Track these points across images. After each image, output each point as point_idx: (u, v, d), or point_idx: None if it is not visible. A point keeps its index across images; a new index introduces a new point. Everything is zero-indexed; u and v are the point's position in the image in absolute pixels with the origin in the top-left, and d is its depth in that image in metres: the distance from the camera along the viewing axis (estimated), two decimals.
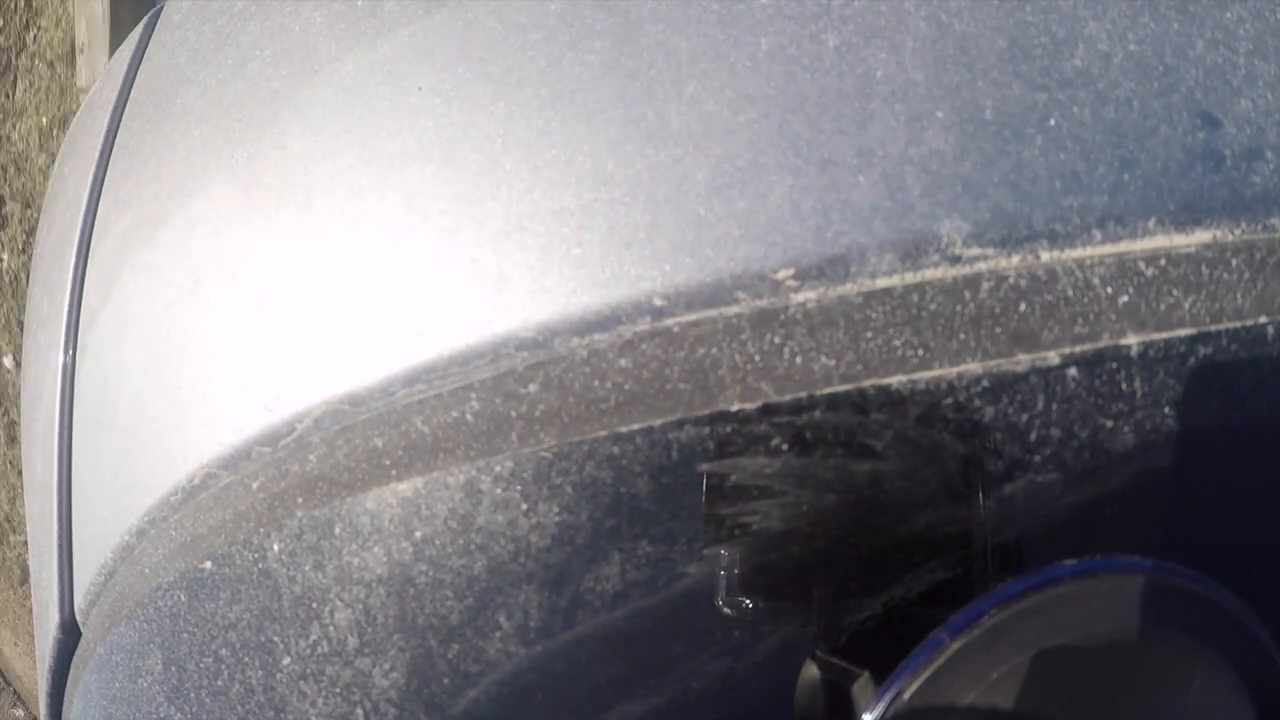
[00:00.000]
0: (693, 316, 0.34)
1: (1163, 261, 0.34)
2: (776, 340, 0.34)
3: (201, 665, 0.41)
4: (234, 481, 0.39)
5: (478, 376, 0.36)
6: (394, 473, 0.37)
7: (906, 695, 0.36)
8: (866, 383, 0.34)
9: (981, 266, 0.34)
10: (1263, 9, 0.36)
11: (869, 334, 0.34)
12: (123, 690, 0.45)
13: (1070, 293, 0.34)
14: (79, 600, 0.46)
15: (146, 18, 0.54)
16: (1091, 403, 0.35)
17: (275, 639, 0.39)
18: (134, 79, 0.52)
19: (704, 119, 0.36)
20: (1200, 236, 0.34)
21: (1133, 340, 0.34)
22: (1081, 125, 0.34)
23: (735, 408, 0.34)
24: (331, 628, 0.38)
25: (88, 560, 0.45)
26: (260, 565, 0.39)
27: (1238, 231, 0.34)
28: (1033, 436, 0.35)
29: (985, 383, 0.34)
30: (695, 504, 0.36)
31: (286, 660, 0.39)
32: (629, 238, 0.35)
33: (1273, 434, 0.36)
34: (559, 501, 0.36)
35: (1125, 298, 0.34)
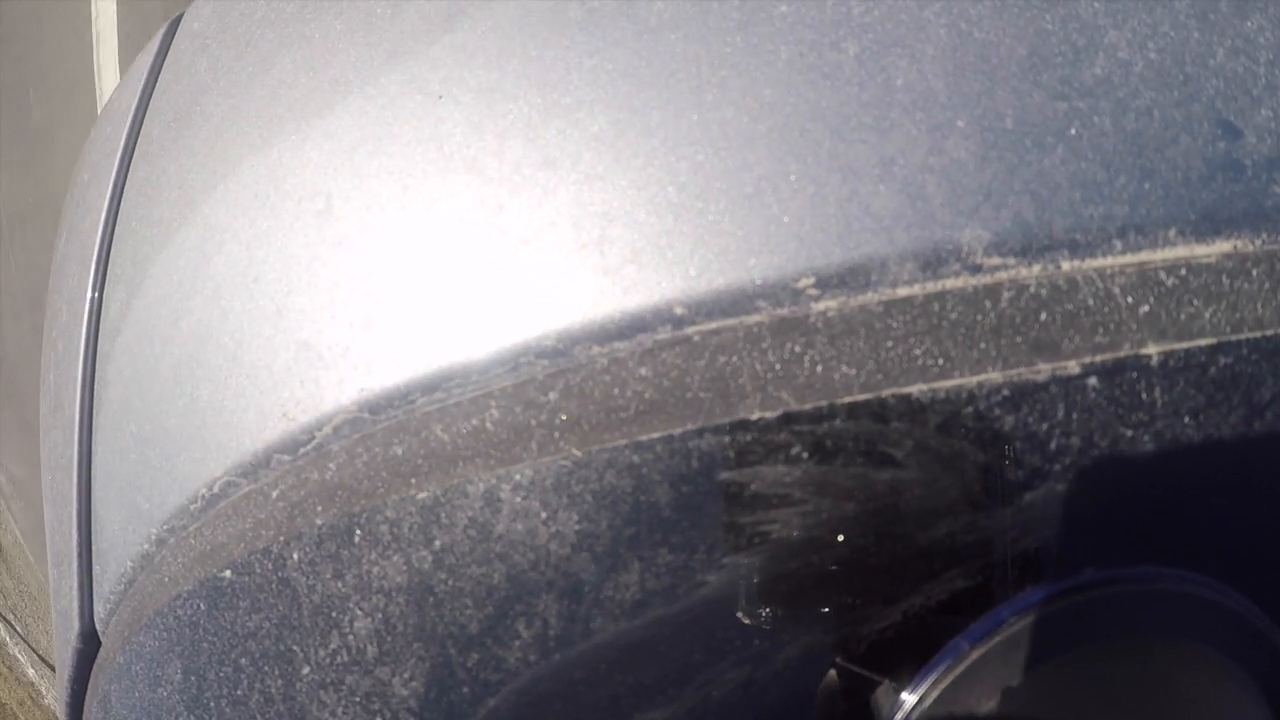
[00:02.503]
0: (713, 325, 0.34)
1: (1183, 271, 0.34)
2: (797, 349, 0.34)
3: (221, 674, 0.41)
4: (253, 490, 0.39)
5: (498, 385, 0.36)
6: (413, 481, 0.37)
7: (927, 703, 0.36)
8: (887, 391, 0.34)
9: (1002, 276, 0.34)
10: None
11: (889, 343, 0.34)
12: (142, 699, 0.45)
13: (1091, 302, 0.34)
14: (98, 609, 0.46)
15: (166, 24, 0.54)
16: (1112, 412, 0.35)
17: (295, 648, 0.39)
18: (154, 85, 0.52)
19: (723, 127, 0.36)
20: (1221, 246, 0.34)
21: (1153, 350, 0.34)
22: (1102, 134, 0.34)
23: (755, 416, 0.34)
24: (351, 636, 0.38)
25: (107, 569, 0.45)
26: (280, 574, 0.39)
27: (1258, 242, 0.34)
28: (1053, 445, 0.35)
29: (1005, 392, 0.34)
30: (715, 512, 0.36)
31: (306, 669, 0.39)
32: (649, 246, 0.35)
33: None
34: (578, 510, 0.36)
35: (1146, 307, 0.34)
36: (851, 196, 0.34)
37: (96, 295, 0.49)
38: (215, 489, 0.40)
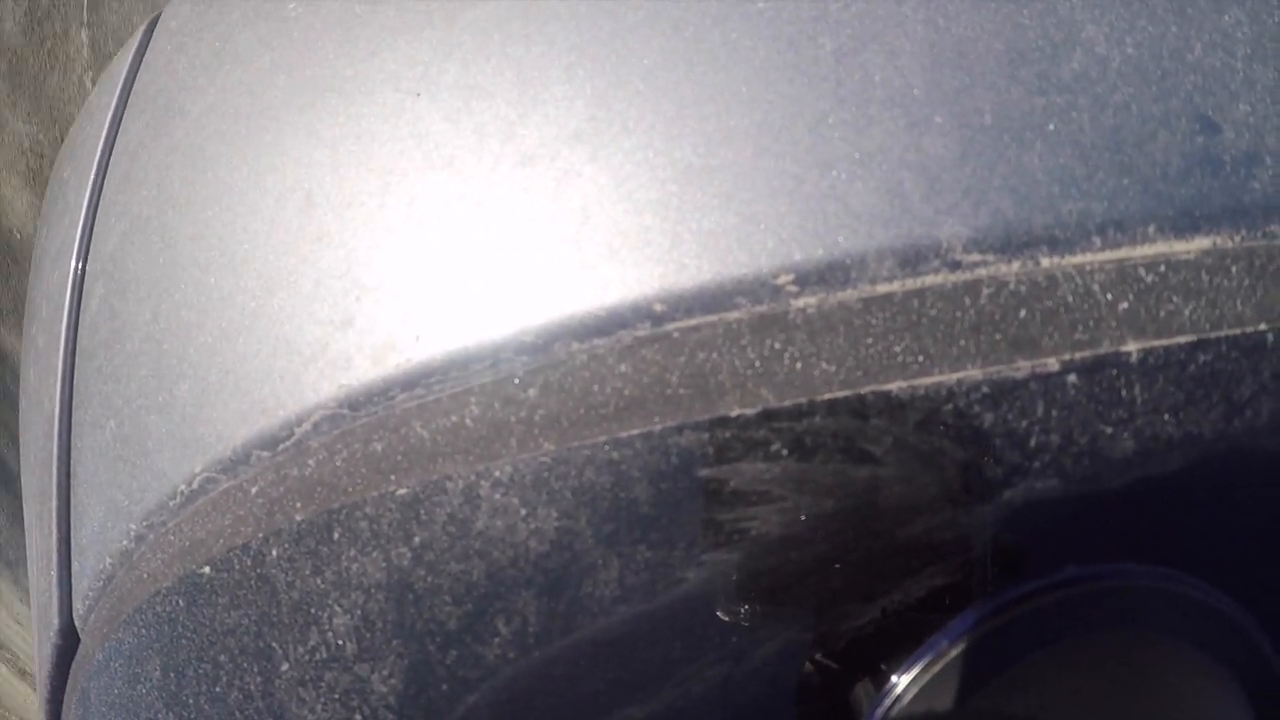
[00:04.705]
0: (692, 322, 0.34)
1: (1162, 268, 0.34)
2: (776, 345, 0.34)
3: (200, 671, 0.41)
4: (232, 486, 0.39)
5: (477, 381, 0.36)
6: (393, 477, 0.36)
7: (906, 700, 0.36)
8: (866, 388, 0.34)
9: (981, 272, 0.34)
10: (1260, 12, 0.36)
11: (869, 340, 0.34)
12: (121, 696, 0.45)
13: (1070, 299, 0.34)
14: (77, 605, 0.46)
15: (145, 23, 0.54)
16: (1091, 409, 0.35)
17: (274, 645, 0.39)
18: (132, 84, 0.52)
19: (701, 123, 0.36)
20: (1200, 243, 0.34)
21: (1132, 347, 0.34)
22: (1080, 130, 0.34)
23: (735, 413, 0.34)
24: (330, 633, 0.38)
25: (86, 565, 0.45)
26: (259, 570, 0.39)
27: (1237, 238, 0.34)
28: (1032, 443, 0.35)
29: (985, 389, 0.34)
30: (694, 509, 0.35)
31: (285, 666, 0.39)
32: (628, 243, 0.35)
33: (1272, 440, 0.36)
34: (558, 507, 0.35)
35: (1125, 304, 0.34)
36: (830, 193, 0.34)
37: (76, 292, 0.49)
38: (194, 485, 0.40)
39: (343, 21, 0.42)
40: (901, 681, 0.36)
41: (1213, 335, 0.34)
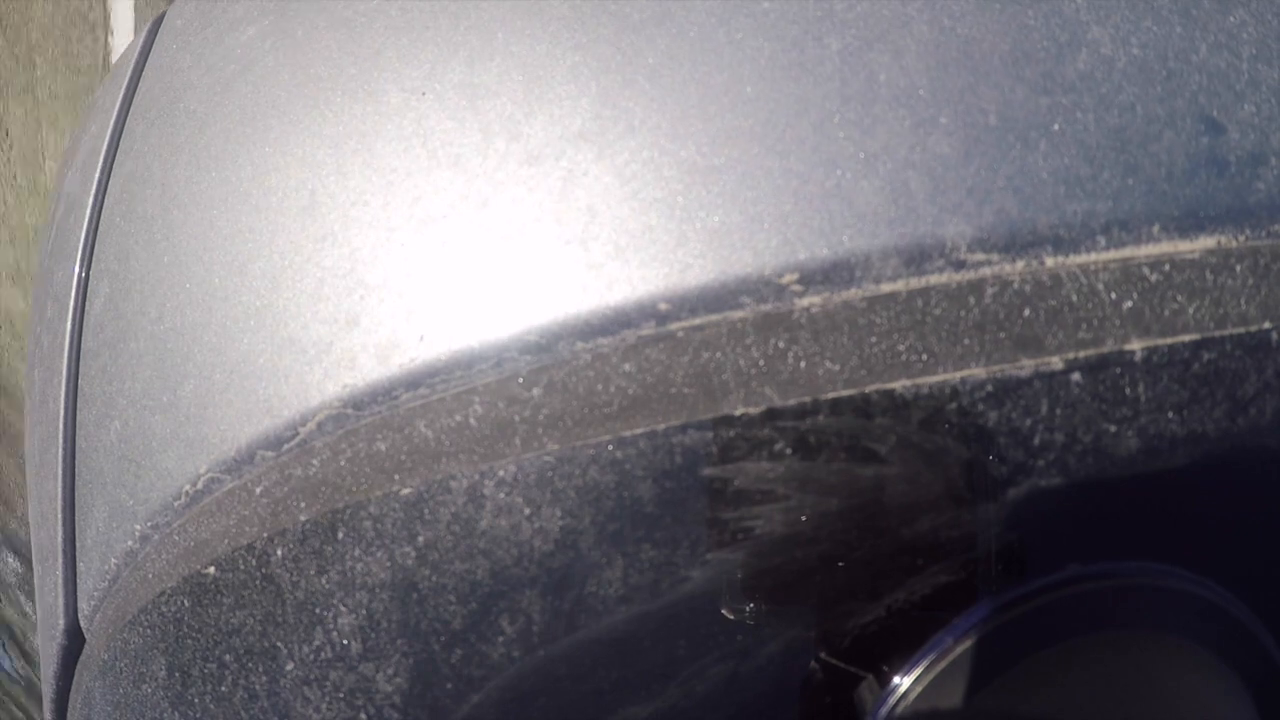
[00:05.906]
0: (697, 321, 0.34)
1: (1166, 267, 0.34)
2: (781, 345, 0.34)
3: (205, 671, 0.41)
4: (237, 486, 0.39)
5: (481, 380, 0.36)
6: (397, 477, 0.37)
7: (911, 698, 0.36)
8: (870, 387, 0.34)
9: (986, 272, 0.34)
10: (1266, 13, 0.36)
11: (873, 339, 0.34)
12: (126, 696, 0.45)
13: (1074, 298, 0.34)
14: (83, 605, 0.46)
15: (150, 23, 0.54)
16: (1095, 408, 0.35)
17: (279, 644, 0.39)
18: (137, 83, 0.52)
19: (706, 123, 0.36)
20: (1204, 242, 0.34)
21: (1136, 345, 0.34)
22: (1085, 130, 0.34)
23: (739, 412, 0.34)
24: (335, 633, 0.38)
25: (91, 565, 0.45)
26: (263, 570, 0.39)
27: (1241, 237, 0.34)
28: (1036, 441, 0.35)
29: (989, 388, 0.34)
30: (699, 508, 0.36)
31: (290, 665, 0.39)
32: (632, 242, 0.35)
33: (1276, 439, 0.36)
34: (562, 506, 0.35)
35: (1129, 303, 0.34)
36: (835, 192, 0.34)
37: (80, 292, 0.49)
38: (199, 485, 0.40)
39: (347, 20, 0.42)
40: (906, 681, 0.36)
41: (1217, 334, 0.34)
